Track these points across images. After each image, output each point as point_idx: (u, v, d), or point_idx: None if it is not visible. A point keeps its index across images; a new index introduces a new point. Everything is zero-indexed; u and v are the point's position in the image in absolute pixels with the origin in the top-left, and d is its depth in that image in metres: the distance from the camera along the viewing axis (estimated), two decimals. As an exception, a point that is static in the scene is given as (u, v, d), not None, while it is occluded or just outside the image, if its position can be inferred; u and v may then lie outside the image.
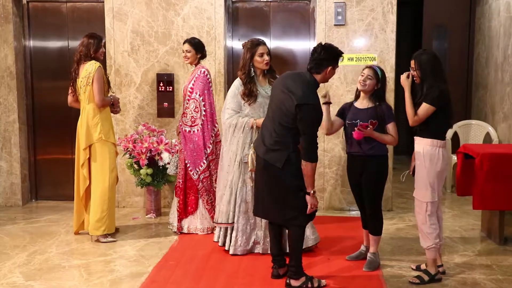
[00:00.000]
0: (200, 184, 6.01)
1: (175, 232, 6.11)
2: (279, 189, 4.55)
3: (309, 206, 4.50)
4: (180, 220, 6.13)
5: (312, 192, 4.48)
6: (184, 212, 6.11)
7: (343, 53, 4.66)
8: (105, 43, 5.84)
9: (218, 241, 5.57)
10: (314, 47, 4.64)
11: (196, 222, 6.11)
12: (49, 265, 5.17)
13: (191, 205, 6.10)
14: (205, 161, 5.99)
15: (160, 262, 5.22)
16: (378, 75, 4.93)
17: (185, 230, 6.12)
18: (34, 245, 5.74)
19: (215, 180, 5.97)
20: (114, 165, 5.93)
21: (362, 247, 5.28)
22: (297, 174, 4.48)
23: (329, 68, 4.53)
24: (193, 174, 6.01)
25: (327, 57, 4.52)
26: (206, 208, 6.06)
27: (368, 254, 5.08)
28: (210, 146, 6.02)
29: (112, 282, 4.78)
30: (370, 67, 4.99)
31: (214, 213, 5.93)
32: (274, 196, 4.59)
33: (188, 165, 6.02)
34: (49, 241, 5.87)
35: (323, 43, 4.64)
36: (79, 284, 4.72)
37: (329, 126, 5.07)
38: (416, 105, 4.64)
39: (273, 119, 4.57)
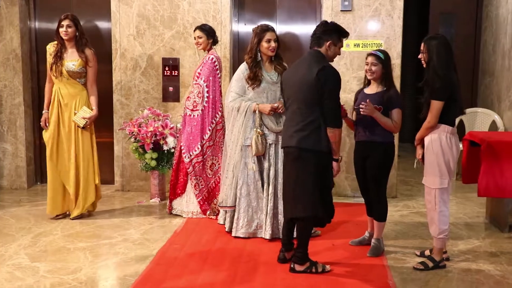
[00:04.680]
0: (191, 168, 6.03)
1: (170, 213, 6.25)
2: (308, 177, 4.43)
3: (334, 172, 4.55)
4: (170, 200, 6.25)
5: (340, 158, 4.56)
6: (173, 193, 6.21)
7: (344, 31, 4.60)
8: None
9: (223, 224, 5.60)
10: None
11: (183, 205, 6.18)
12: (54, 247, 5.19)
13: (180, 187, 6.17)
14: (199, 147, 6.00)
15: (165, 245, 5.24)
16: (381, 59, 4.92)
17: (174, 212, 6.23)
18: (39, 227, 5.76)
19: (210, 166, 6.05)
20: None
21: (366, 233, 5.29)
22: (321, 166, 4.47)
23: (328, 42, 4.49)
24: (185, 157, 6.03)
25: (324, 30, 4.52)
26: (194, 193, 6.08)
27: (372, 240, 5.09)
28: (208, 132, 6.03)
29: (117, 264, 4.80)
30: (371, 54, 4.98)
31: (201, 199, 6.06)
32: (303, 186, 4.46)
33: (182, 147, 6.06)
34: (54, 223, 5.89)
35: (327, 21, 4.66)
36: (84, 266, 4.73)
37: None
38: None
39: (295, 103, 4.49)
